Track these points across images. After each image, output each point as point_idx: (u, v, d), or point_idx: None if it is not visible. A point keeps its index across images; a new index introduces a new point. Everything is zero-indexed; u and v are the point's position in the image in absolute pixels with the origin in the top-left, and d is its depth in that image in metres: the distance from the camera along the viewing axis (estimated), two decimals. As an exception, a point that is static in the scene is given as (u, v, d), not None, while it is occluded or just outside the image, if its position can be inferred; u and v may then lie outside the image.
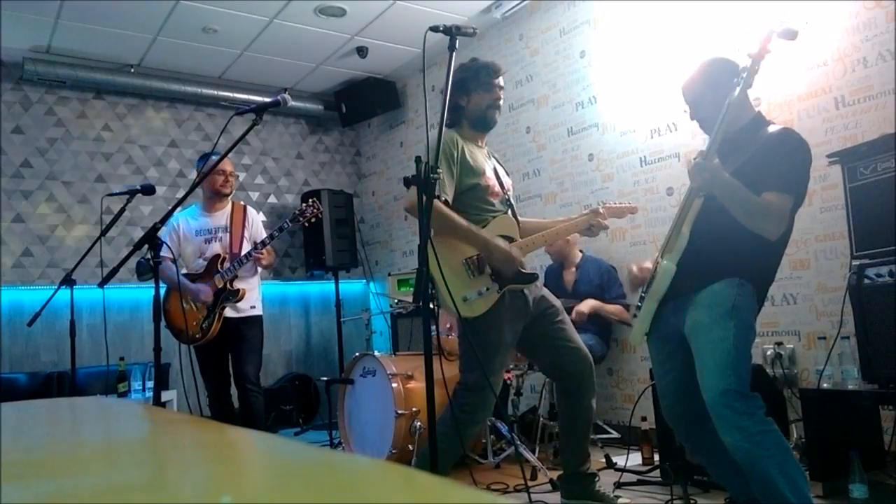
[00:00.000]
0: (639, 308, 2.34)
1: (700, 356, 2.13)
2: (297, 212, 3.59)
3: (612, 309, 3.93)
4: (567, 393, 2.79)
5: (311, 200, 3.64)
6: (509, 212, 2.76)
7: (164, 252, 3.05)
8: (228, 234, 3.66)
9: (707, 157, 2.13)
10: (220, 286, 3.53)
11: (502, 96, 2.77)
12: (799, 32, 2.16)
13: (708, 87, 2.26)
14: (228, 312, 3.56)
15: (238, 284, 3.57)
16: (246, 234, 3.70)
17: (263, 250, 3.54)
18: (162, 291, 2.62)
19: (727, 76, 2.22)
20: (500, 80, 2.76)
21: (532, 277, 2.68)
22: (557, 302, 2.82)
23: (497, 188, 2.73)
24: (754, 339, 2.19)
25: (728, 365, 2.05)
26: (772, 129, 2.24)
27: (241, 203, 3.83)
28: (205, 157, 3.74)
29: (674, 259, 2.22)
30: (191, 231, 3.68)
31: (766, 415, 2.06)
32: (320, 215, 3.63)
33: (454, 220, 2.54)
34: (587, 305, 3.88)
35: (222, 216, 3.71)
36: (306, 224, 3.63)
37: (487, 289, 2.57)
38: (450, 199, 2.57)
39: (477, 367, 2.53)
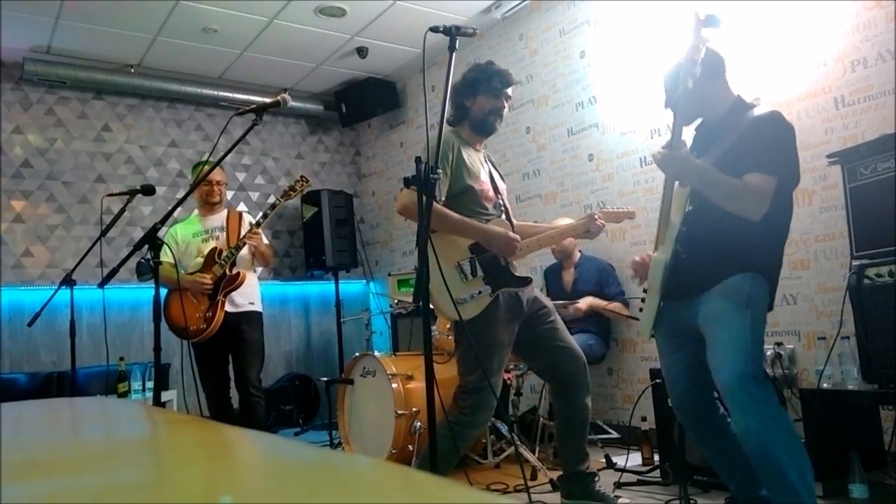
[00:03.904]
0: (643, 301, 2.35)
1: (716, 343, 2.12)
2: (286, 188, 3.69)
3: (610, 306, 3.93)
4: (561, 393, 2.79)
5: (300, 176, 3.76)
6: (503, 216, 2.76)
7: (171, 258, 3.08)
8: (225, 233, 3.70)
9: (673, 147, 2.13)
10: (220, 274, 3.56)
11: (508, 106, 2.77)
12: (720, 18, 2.14)
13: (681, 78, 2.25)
14: (227, 307, 3.57)
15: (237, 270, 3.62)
16: (242, 233, 3.72)
17: (260, 230, 3.57)
18: (162, 292, 2.62)
19: (704, 67, 2.21)
20: (510, 91, 2.76)
21: (525, 281, 2.69)
22: (549, 303, 2.82)
23: (491, 193, 2.73)
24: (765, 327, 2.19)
25: (745, 351, 2.06)
26: (756, 112, 2.24)
27: (237, 210, 3.92)
28: (197, 166, 3.86)
29: (666, 250, 2.22)
30: (188, 234, 3.75)
31: (780, 404, 2.07)
32: (307, 185, 3.75)
33: (448, 214, 2.55)
34: (585, 302, 3.89)
35: (218, 219, 3.79)
36: (293, 195, 3.70)
37: (480, 292, 2.57)
38: (442, 199, 2.57)
39: (475, 369, 2.53)
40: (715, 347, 2.12)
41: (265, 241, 3.67)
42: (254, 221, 3.65)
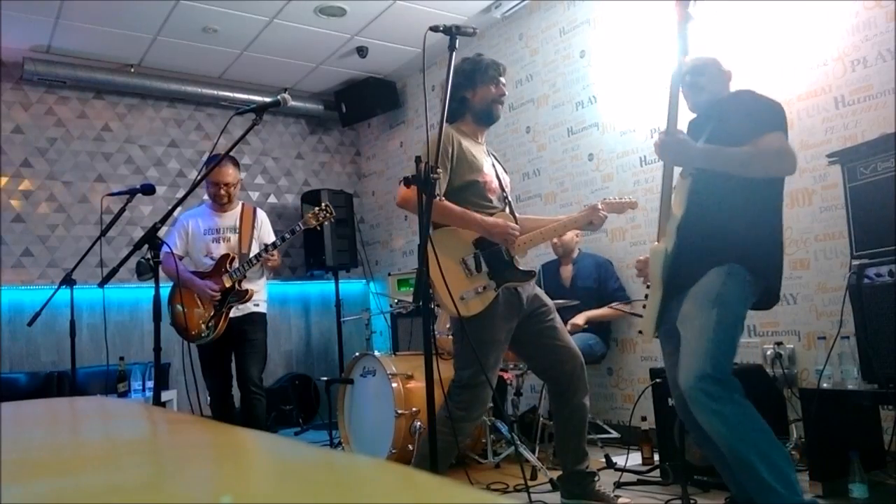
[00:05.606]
0: (647, 297, 2.35)
1: (683, 344, 2.13)
2: (310, 215, 3.59)
3: (607, 312, 3.95)
4: (558, 392, 2.78)
5: (324, 205, 3.64)
6: (507, 209, 2.76)
7: (169, 250, 3.06)
8: (237, 235, 3.66)
9: (669, 133, 2.14)
10: (229, 286, 3.53)
11: (506, 93, 2.80)
12: None
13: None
14: (232, 312, 3.56)
15: (246, 285, 3.57)
16: (255, 235, 3.69)
17: (276, 251, 3.55)
18: (164, 292, 2.62)
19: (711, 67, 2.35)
20: (504, 79, 2.78)
21: (529, 275, 2.68)
22: (549, 301, 2.82)
23: (495, 185, 2.73)
24: (743, 323, 2.18)
25: (706, 351, 2.05)
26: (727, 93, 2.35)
27: (251, 205, 3.85)
28: (211, 160, 3.74)
29: (668, 241, 2.22)
30: (199, 230, 3.68)
31: (764, 413, 2.06)
32: (333, 220, 3.65)
33: (446, 207, 2.56)
34: (582, 318, 3.90)
35: (231, 217, 3.71)
36: (318, 228, 3.65)
37: (484, 287, 2.57)
38: (441, 195, 2.57)
39: (471, 365, 2.53)
40: (681, 350, 2.13)
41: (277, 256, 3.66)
42: (269, 242, 3.62)
